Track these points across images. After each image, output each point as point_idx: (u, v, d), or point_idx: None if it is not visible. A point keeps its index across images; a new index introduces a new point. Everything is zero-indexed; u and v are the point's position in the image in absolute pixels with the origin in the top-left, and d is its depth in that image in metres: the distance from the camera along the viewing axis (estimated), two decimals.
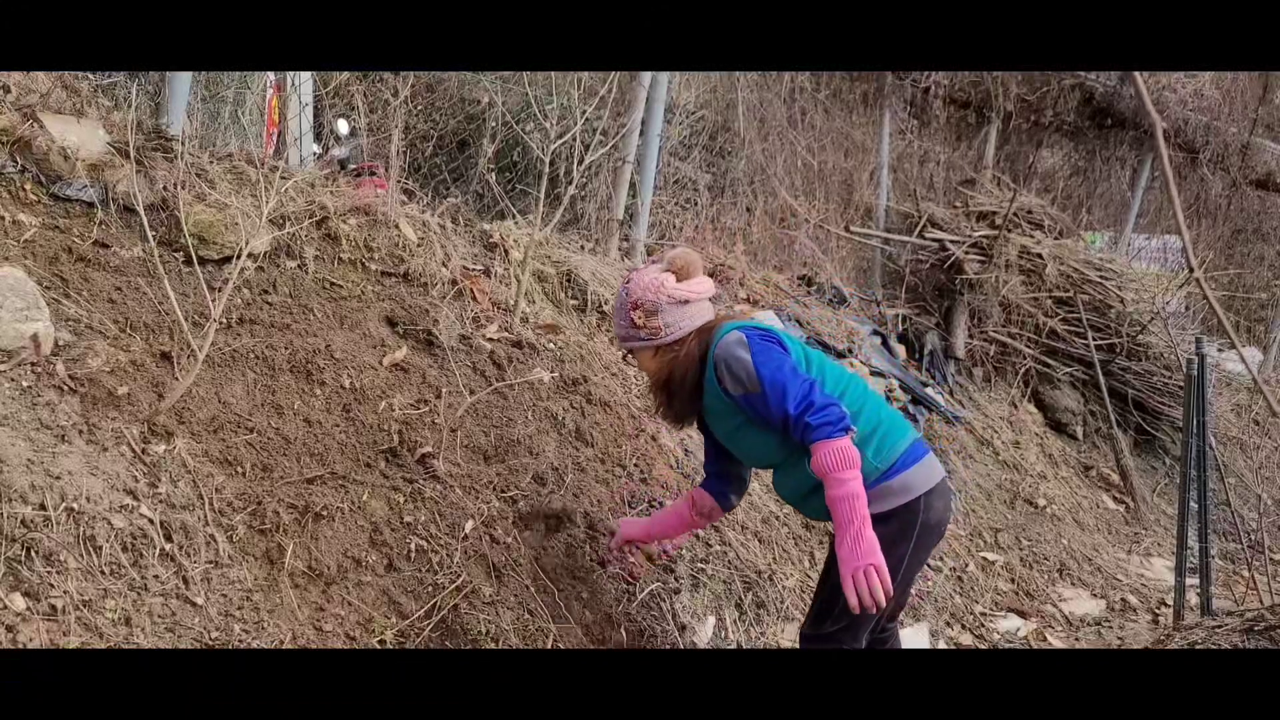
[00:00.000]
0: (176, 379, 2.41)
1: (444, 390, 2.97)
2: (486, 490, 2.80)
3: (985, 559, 4.47)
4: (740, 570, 3.19)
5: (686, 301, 2.36)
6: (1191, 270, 3.54)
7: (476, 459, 2.88)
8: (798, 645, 3.12)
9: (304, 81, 4.04)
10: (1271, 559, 4.58)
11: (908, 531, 2.24)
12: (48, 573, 1.89)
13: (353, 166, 4.15)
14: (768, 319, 4.48)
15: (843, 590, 2.08)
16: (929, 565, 4.15)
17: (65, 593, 1.88)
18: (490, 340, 3.27)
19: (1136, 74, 4.13)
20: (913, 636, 3.65)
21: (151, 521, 2.11)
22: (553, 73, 4.07)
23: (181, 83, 3.15)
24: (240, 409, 2.51)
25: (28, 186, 2.56)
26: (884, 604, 2.06)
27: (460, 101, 4.83)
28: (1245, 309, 8.66)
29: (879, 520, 2.17)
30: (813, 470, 2.17)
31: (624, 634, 2.73)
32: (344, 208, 3.16)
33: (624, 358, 2.51)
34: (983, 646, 3.83)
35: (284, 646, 2.13)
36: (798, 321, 4.72)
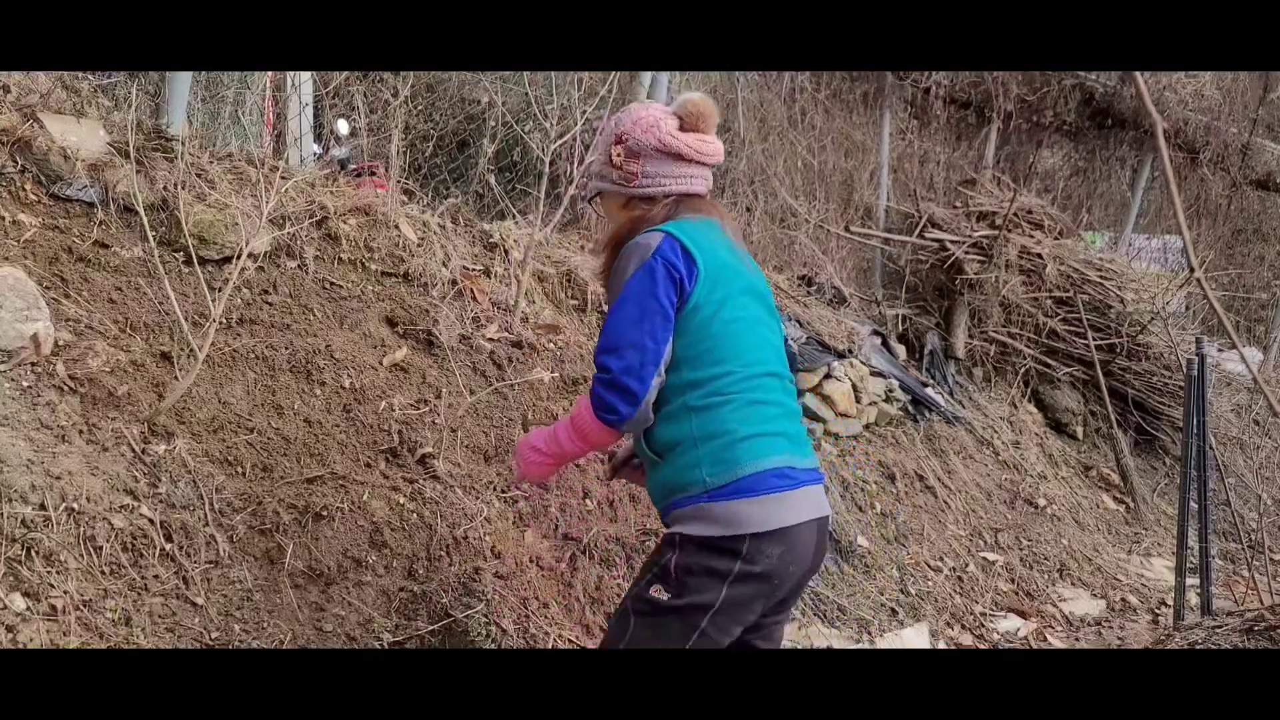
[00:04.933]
0: (176, 379, 2.41)
1: (444, 390, 2.97)
2: (486, 490, 2.80)
3: (985, 559, 4.47)
4: None
5: (680, 157, 1.98)
6: (1192, 270, 3.54)
7: (476, 459, 2.88)
8: (789, 645, 3.12)
9: (304, 81, 4.04)
10: (1271, 559, 4.57)
11: (722, 572, 1.80)
12: (48, 573, 1.89)
13: (353, 166, 4.15)
14: None
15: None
16: (929, 565, 4.15)
17: (65, 593, 1.88)
18: (490, 340, 3.27)
19: (1136, 74, 4.12)
20: (913, 636, 3.65)
21: (151, 521, 2.11)
22: (553, 73, 4.06)
23: (181, 83, 3.14)
24: (240, 409, 2.51)
25: (28, 186, 2.56)
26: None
27: (460, 101, 4.83)
28: (1245, 309, 8.65)
29: (696, 546, 1.82)
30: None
31: None
32: (344, 208, 3.16)
33: (588, 201, 2.11)
34: (983, 646, 3.83)
35: (284, 646, 2.13)
36: (798, 321, 4.72)
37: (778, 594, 1.86)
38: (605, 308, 2.75)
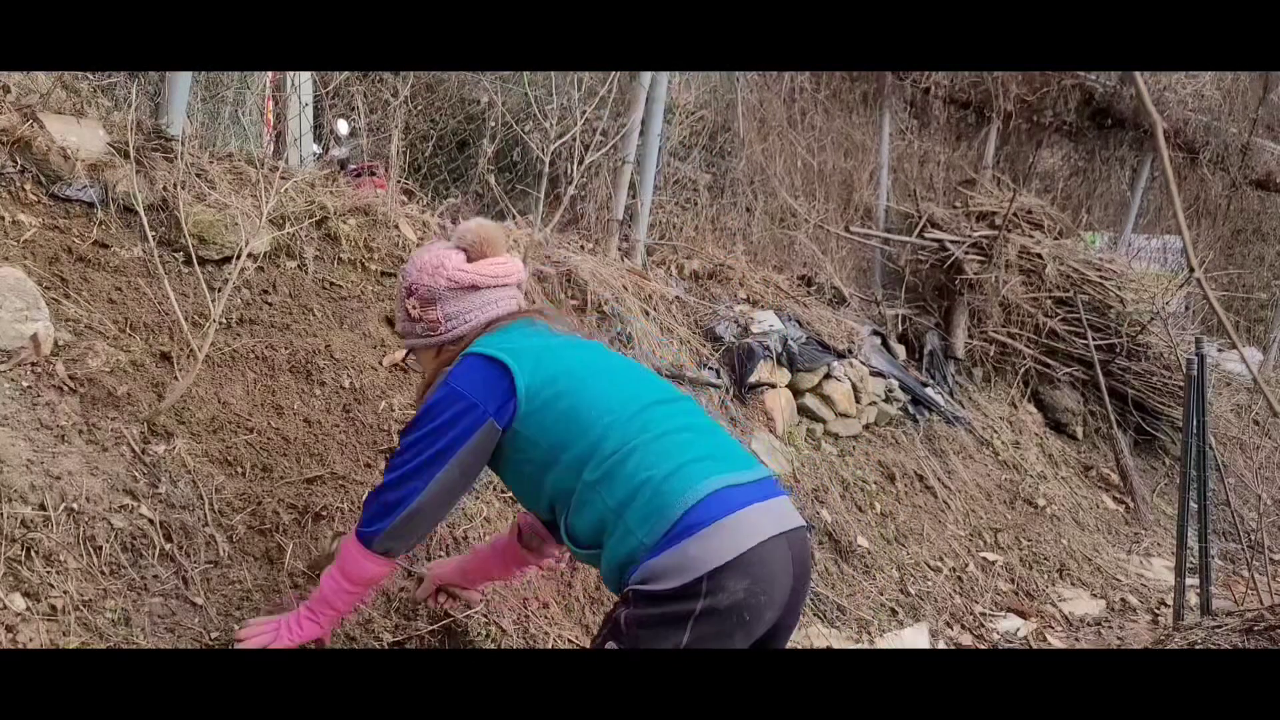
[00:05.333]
0: (176, 379, 2.41)
1: None
2: (486, 490, 2.80)
3: (985, 559, 4.47)
4: None
5: (475, 287, 1.91)
6: (1191, 270, 3.54)
7: None
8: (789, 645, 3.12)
9: (304, 81, 4.04)
10: (1271, 559, 4.57)
11: (681, 615, 1.64)
12: (48, 573, 1.89)
13: (353, 166, 4.15)
14: (767, 319, 4.48)
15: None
16: (929, 566, 4.15)
17: (65, 593, 1.88)
18: None
19: (1136, 74, 4.12)
20: (913, 636, 3.65)
21: (151, 521, 2.11)
22: (553, 73, 4.07)
23: (181, 83, 3.14)
24: (240, 409, 2.51)
25: (28, 186, 2.56)
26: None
27: (460, 101, 4.83)
28: (1245, 309, 8.66)
29: (649, 599, 1.66)
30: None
31: None
32: (344, 208, 3.16)
33: (403, 360, 2.07)
34: (983, 646, 3.83)
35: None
36: (798, 321, 4.72)
37: (752, 626, 1.69)
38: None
